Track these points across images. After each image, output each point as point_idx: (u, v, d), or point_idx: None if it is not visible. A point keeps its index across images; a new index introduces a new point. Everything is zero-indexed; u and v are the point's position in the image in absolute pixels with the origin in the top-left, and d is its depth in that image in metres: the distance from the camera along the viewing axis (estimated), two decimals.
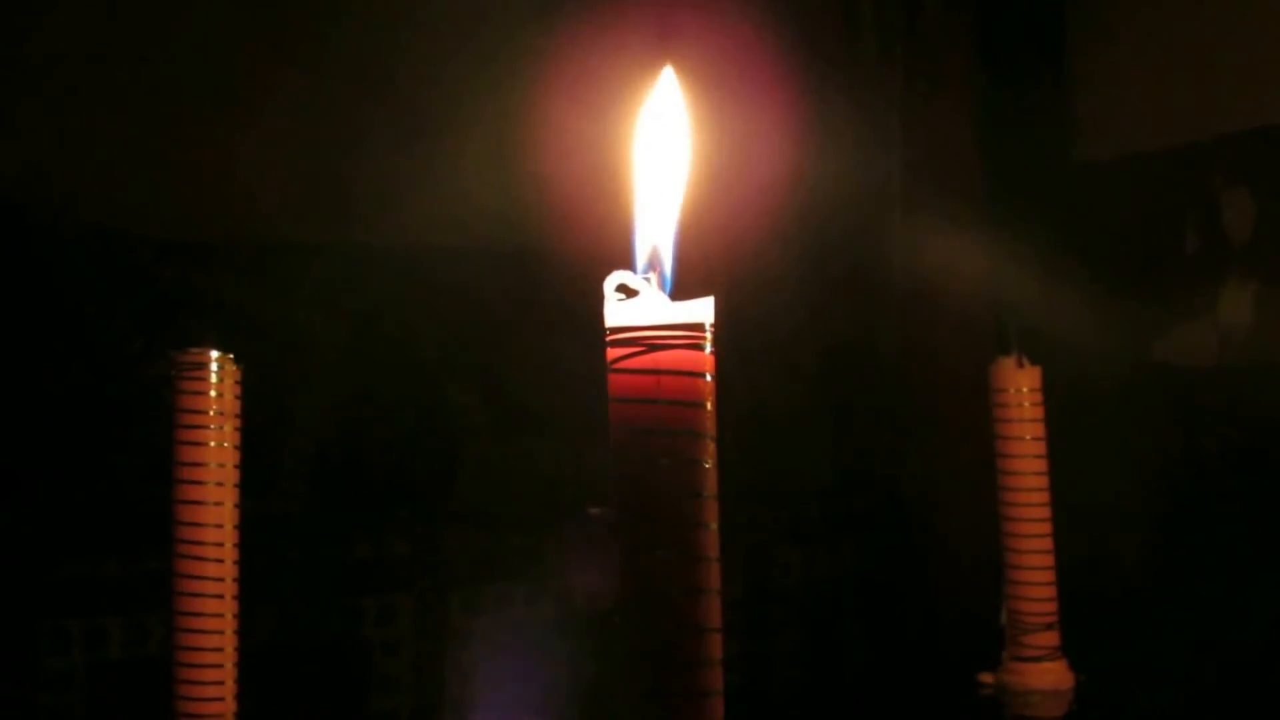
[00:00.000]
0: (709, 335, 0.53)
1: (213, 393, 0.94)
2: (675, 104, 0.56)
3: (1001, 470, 1.16)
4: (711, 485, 0.53)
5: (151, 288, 1.73)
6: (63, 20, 1.70)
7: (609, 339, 0.53)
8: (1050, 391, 1.16)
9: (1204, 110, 1.83)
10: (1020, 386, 1.15)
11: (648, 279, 0.53)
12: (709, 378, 0.53)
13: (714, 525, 0.53)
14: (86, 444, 1.69)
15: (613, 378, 0.53)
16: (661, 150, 0.56)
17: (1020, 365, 1.15)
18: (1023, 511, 1.14)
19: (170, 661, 0.94)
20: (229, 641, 0.94)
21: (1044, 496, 1.15)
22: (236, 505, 0.95)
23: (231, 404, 0.95)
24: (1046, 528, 1.15)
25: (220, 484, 0.94)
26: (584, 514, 1.73)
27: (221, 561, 0.94)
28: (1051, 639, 1.14)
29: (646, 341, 0.52)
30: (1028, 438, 1.15)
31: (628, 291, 0.53)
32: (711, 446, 0.53)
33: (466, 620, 1.88)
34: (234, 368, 0.95)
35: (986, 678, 1.16)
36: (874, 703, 2.08)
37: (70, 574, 1.66)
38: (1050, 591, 1.14)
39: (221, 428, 0.94)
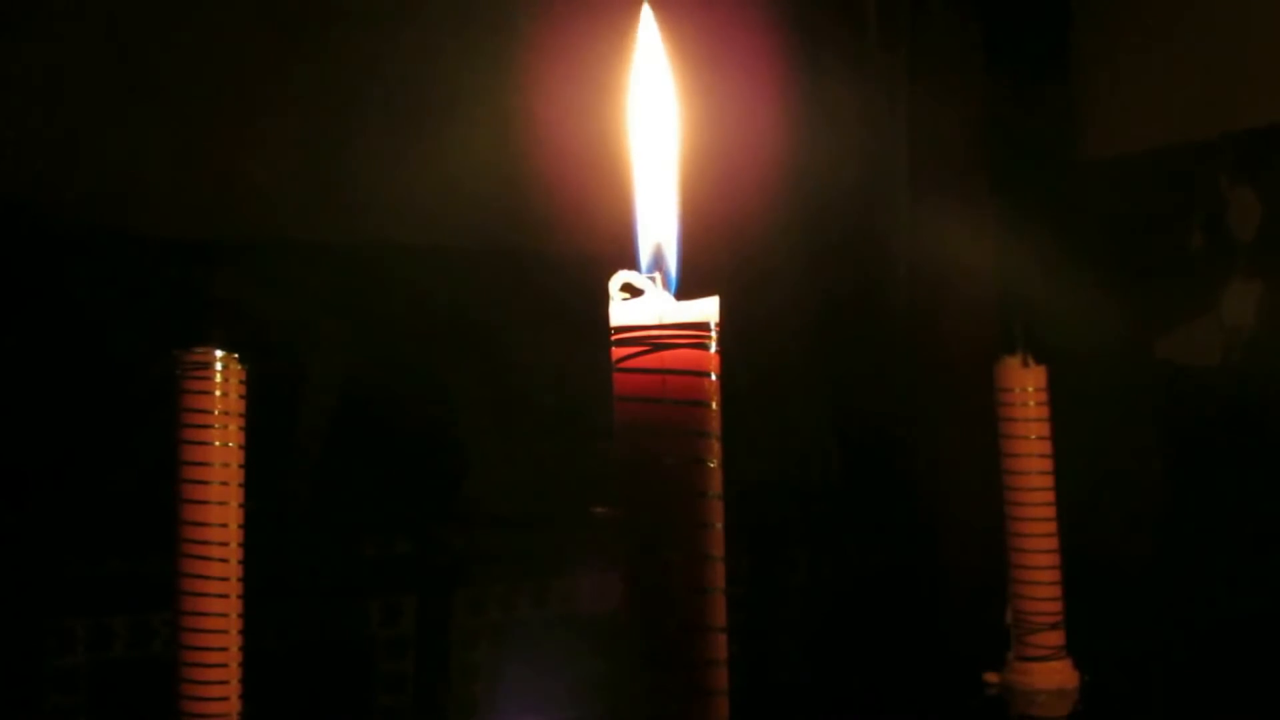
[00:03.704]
0: (714, 334, 0.53)
1: (217, 392, 0.94)
2: (659, 75, 0.56)
3: (1007, 470, 1.16)
4: (716, 485, 0.52)
5: (156, 287, 1.73)
6: (67, 21, 1.70)
7: (614, 338, 0.53)
8: (1055, 391, 1.16)
9: (1210, 108, 1.82)
10: (1025, 386, 1.15)
11: (652, 278, 0.53)
12: (714, 377, 0.53)
13: (719, 525, 0.52)
14: (91, 443, 1.69)
15: (617, 377, 0.53)
16: (654, 138, 0.56)
17: (1025, 364, 1.15)
18: (1028, 511, 1.14)
19: (175, 661, 0.94)
20: (233, 641, 0.94)
21: (1049, 496, 1.15)
22: (241, 505, 0.95)
23: (236, 403, 0.95)
24: (1052, 527, 1.14)
25: (225, 483, 0.94)
26: (589, 513, 1.73)
27: (226, 561, 0.94)
28: (1056, 638, 1.14)
29: (651, 341, 0.52)
30: (1033, 437, 1.15)
31: (632, 291, 0.53)
32: (716, 446, 0.53)
33: (471, 620, 1.88)
34: (238, 367, 0.95)
35: (992, 677, 1.16)
36: (879, 702, 2.08)
37: (75, 573, 1.66)
38: (1055, 591, 1.14)
39: (226, 427, 0.94)
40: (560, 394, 1.90)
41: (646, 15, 0.57)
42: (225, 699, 0.94)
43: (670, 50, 0.57)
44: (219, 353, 0.95)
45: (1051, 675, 1.13)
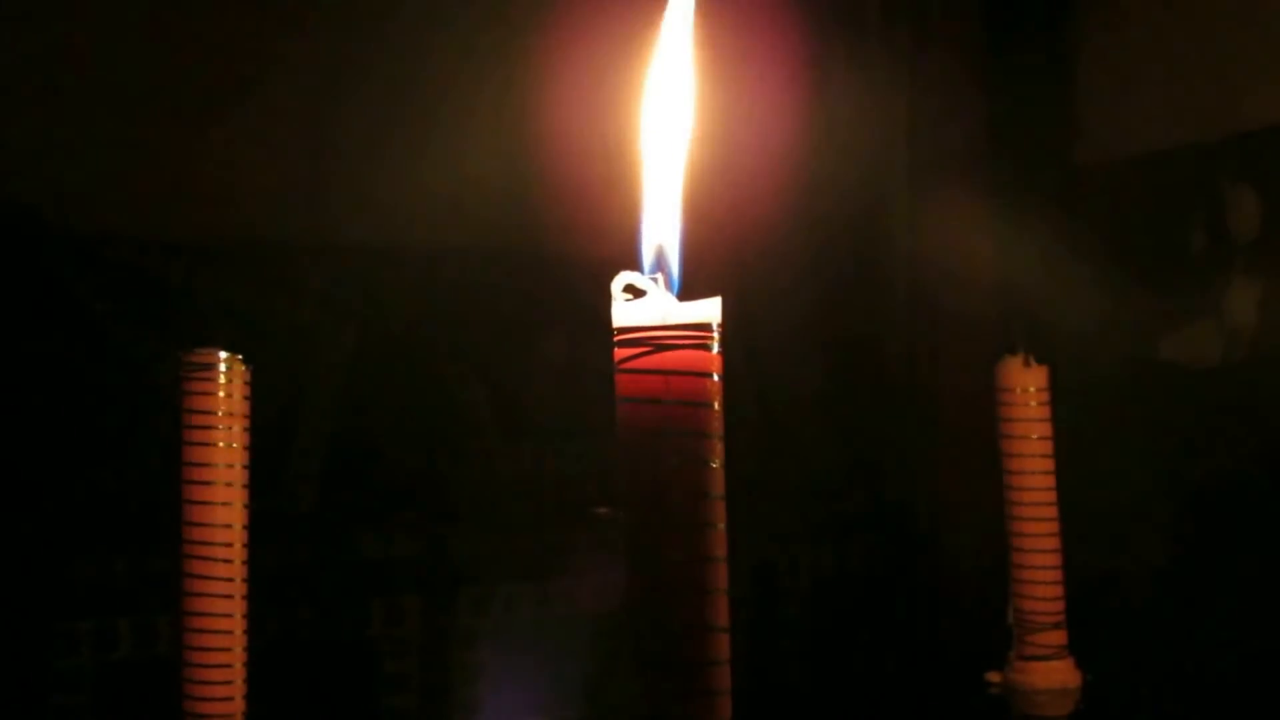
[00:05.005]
0: (716, 335, 0.53)
1: (221, 393, 0.94)
2: (680, 80, 0.56)
3: (1008, 469, 1.16)
4: (719, 485, 0.53)
5: (160, 289, 1.73)
6: (65, 26, 1.71)
7: (616, 339, 0.53)
8: (1056, 391, 1.16)
9: (1211, 110, 1.82)
10: (1027, 386, 1.15)
11: (655, 279, 0.53)
12: (716, 378, 0.53)
13: (721, 525, 0.53)
14: (96, 445, 1.69)
15: (620, 378, 0.53)
16: (666, 143, 0.56)
17: (1027, 365, 1.15)
18: (1030, 510, 1.14)
19: (179, 661, 0.94)
20: (238, 641, 0.95)
21: (1051, 495, 1.15)
22: (245, 506, 0.95)
23: (240, 405, 0.95)
24: (1053, 526, 1.15)
25: (229, 484, 0.94)
26: (592, 514, 1.73)
27: (230, 562, 0.94)
28: (1058, 638, 1.14)
29: (654, 342, 0.52)
30: (1034, 437, 1.15)
31: (635, 292, 0.53)
32: (719, 447, 0.53)
33: (474, 620, 1.88)
34: (243, 368, 0.95)
35: (994, 676, 1.16)
36: (881, 701, 2.08)
37: (80, 574, 1.66)
38: (1057, 590, 1.14)
39: (230, 428, 0.94)
40: (563, 395, 1.90)
41: (670, 19, 0.57)
42: (230, 699, 0.94)
43: (681, 57, 0.57)
44: (223, 354, 0.95)
45: (1053, 675, 1.13)
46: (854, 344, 2.17)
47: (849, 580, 2.13)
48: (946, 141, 2.14)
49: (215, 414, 0.94)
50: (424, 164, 1.85)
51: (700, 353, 0.52)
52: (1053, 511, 1.15)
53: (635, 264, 0.55)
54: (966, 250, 2.02)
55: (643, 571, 0.52)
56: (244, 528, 0.95)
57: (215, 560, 0.94)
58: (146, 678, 1.65)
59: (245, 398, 0.96)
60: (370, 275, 1.86)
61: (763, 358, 2.02)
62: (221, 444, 0.94)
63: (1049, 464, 1.15)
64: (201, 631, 0.94)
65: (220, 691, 0.93)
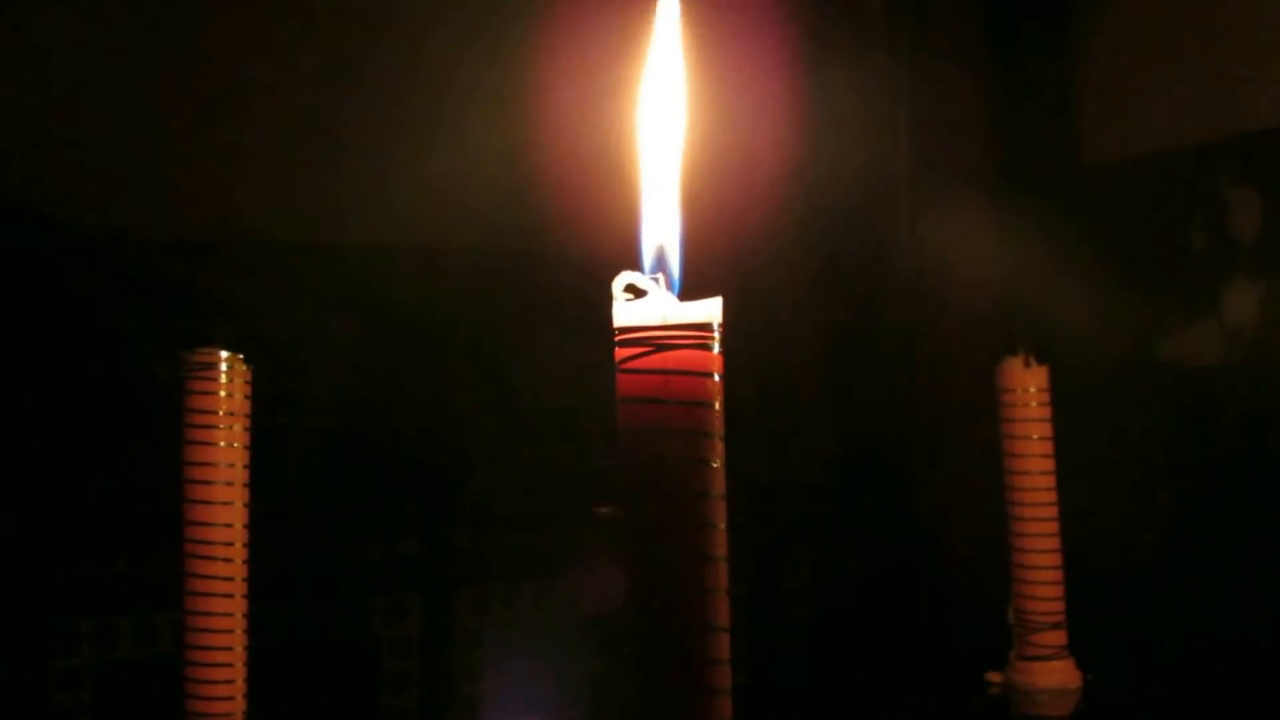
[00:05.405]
0: (717, 335, 0.53)
1: (222, 393, 0.95)
2: (672, 77, 0.56)
3: (1009, 469, 1.16)
4: (719, 485, 0.53)
5: (161, 289, 1.73)
6: (65, 23, 1.71)
7: (617, 339, 0.53)
8: (1057, 391, 1.16)
9: (1212, 110, 1.83)
10: (1027, 386, 1.15)
11: (656, 279, 0.53)
12: (717, 378, 0.53)
13: (722, 525, 0.53)
14: (97, 444, 1.69)
15: (621, 378, 0.53)
16: (662, 140, 0.56)
17: (1027, 365, 1.16)
18: (1030, 510, 1.15)
19: (180, 660, 0.94)
20: (239, 641, 0.95)
21: (1051, 495, 1.15)
22: (246, 505, 0.96)
23: (241, 404, 0.95)
24: (1053, 526, 1.15)
25: (230, 483, 0.95)
26: (593, 513, 1.73)
27: (231, 561, 0.95)
28: (1058, 638, 1.14)
29: (655, 341, 0.52)
30: (1035, 437, 1.15)
31: (636, 292, 0.53)
32: (719, 446, 0.53)
33: (475, 619, 1.88)
34: (243, 368, 0.96)
35: (994, 676, 1.16)
36: (881, 701, 2.08)
37: (80, 573, 1.67)
38: (1057, 590, 1.15)
39: (231, 427, 0.95)
40: (564, 394, 1.90)
41: (665, 16, 0.57)
42: (230, 698, 0.94)
43: (679, 54, 0.57)
44: (224, 353, 0.95)
45: (1053, 674, 1.14)
46: (854, 343, 2.17)
47: (849, 580, 2.13)
48: (947, 141, 2.14)
49: (215, 414, 0.94)
50: (424, 163, 1.85)
51: (700, 353, 0.52)
52: (1053, 511, 1.15)
53: (635, 264, 0.55)
54: (967, 250, 2.02)
55: (643, 571, 0.52)
56: (245, 527, 0.96)
57: (216, 559, 0.94)
58: (147, 677, 1.65)
59: (245, 398, 0.96)
60: (370, 274, 1.86)
61: (763, 356, 2.02)
62: (222, 444, 0.95)
63: (1049, 464, 1.15)
64: (202, 630, 0.94)
65: (221, 690, 0.94)
